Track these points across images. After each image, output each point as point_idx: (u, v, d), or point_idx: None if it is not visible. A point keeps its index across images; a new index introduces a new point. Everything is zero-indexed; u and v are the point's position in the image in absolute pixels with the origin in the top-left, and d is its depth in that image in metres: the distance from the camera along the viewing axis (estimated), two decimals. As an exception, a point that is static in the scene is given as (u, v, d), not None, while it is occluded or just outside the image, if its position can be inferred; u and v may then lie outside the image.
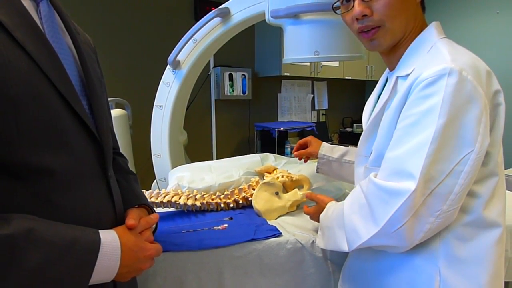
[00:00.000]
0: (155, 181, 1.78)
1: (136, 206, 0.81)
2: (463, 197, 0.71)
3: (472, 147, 0.67)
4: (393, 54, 0.85)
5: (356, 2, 0.79)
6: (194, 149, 2.73)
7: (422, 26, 0.83)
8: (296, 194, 1.28)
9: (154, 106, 1.68)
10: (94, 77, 0.74)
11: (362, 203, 0.77)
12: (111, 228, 0.68)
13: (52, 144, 0.60)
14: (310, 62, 3.48)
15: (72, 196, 0.63)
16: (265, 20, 1.43)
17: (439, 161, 0.67)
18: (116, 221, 0.72)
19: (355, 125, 4.50)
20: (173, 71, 1.63)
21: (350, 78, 4.04)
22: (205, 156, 3.30)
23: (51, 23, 0.67)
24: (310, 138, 1.25)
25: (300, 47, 1.36)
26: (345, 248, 0.81)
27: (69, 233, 0.58)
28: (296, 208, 1.31)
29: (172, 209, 1.27)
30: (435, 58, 0.71)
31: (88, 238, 0.60)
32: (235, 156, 1.60)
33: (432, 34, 0.80)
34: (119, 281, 0.70)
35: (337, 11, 0.88)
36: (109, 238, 0.63)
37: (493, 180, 0.75)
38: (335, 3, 0.86)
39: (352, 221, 0.79)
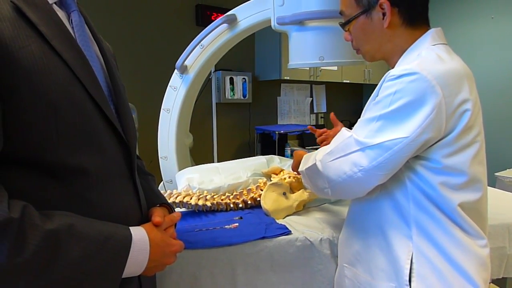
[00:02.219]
0: (162, 182, 1.82)
1: (158, 205, 0.86)
2: (387, 168, 0.82)
3: (408, 135, 0.78)
4: (389, 62, 0.97)
5: (346, 30, 0.99)
6: (196, 151, 2.77)
7: (415, 38, 0.89)
8: (303, 194, 1.33)
9: (161, 110, 1.72)
10: (119, 83, 0.79)
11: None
12: (137, 224, 0.73)
13: (87, 146, 0.64)
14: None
15: (103, 194, 0.67)
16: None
17: (377, 133, 0.81)
18: (142, 218, 0.76)
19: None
20: (180, 76, 1.68)
21: (348, 81, 4.10)
22: (206, 158, 3.34)
23: (82, 32, 0.72)
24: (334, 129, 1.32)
25: (305, 52, 1.41)
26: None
27: (104, 229, 0.62)
28: (303, 207, 1.36)
29: (183, 209, 1.31)
30: (409, 62, 0.82)
31: (121, 233, 0.65)
32: (236, 158, 1.65)
33: (425, 41, 0.88)
34: (144, 276, 0.75)
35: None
36: (139, 234, 0.68)
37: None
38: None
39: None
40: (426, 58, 0.82)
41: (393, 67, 0.94)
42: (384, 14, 0.88)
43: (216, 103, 3.45)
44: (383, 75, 1.03)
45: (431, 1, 0.91)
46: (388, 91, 0.81)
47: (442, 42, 0.88)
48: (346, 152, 0.86)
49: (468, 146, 0.82)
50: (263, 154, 3.72)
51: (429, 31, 0.89)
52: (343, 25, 0.97)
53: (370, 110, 0.85)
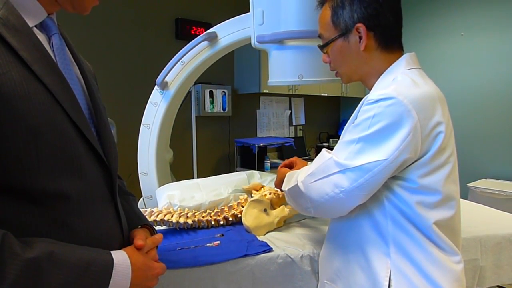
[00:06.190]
0: (141, 198, 1.80)
1: (139, 226, 0.85)
2: (368, 189, 0.85)
3: (386, 157, 0.81)
4: (365, 84, 1.01)
5: (324, 52, 1.02)
6: (175, 164, 2.76)
7: (390, 61, 0.94)
8: (283, 211, 1.34)
9: (141, 126, 1.71)
10: (100, 105, 0.78)
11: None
12: (119, 248, 0.72)
13: (68, 171, 0.64)
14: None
15: (85, 219, 0.67)
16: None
17: (357, 155, 0.84)
18: (123, 241, 0.76)
19: (331, 139, 4.63)
20: (161, 92, 1.68)
21: (326, 94, 4.18)
22: (186, 171, 3.32)
23: (63, 56, 0.72)
24: (295, 159, 1.32)
25: (285, 71, 1.44)
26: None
27: (85, 255, 0.62)
28: (284, 223, 1.37)
29: (164, 227, 1.30)
30: (385, 86, 0.86)
31: (102, 259, 0.64)
32: (216, 171, 1.65)
33: (400, 66, 0.92)
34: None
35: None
36: (120, 258, 0.67)
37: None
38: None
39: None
40: (402, 82, 0.85)
41: (369, 89, 0.98)
42: (360, 38, 0.92)
43: (196, 116, 3.44)
44: (359, 89, 1.07)
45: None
46: (367, 115, 0.84)
47: (416, 67, 0.92)
48: (327, 174, 0.88)
49: (442, 166, 0.85)
50: (242, 166, 3.75)
51: (403, 56, 0.93)
52: (321, 48, 1.01)
53: (350, 132, 0.88)
